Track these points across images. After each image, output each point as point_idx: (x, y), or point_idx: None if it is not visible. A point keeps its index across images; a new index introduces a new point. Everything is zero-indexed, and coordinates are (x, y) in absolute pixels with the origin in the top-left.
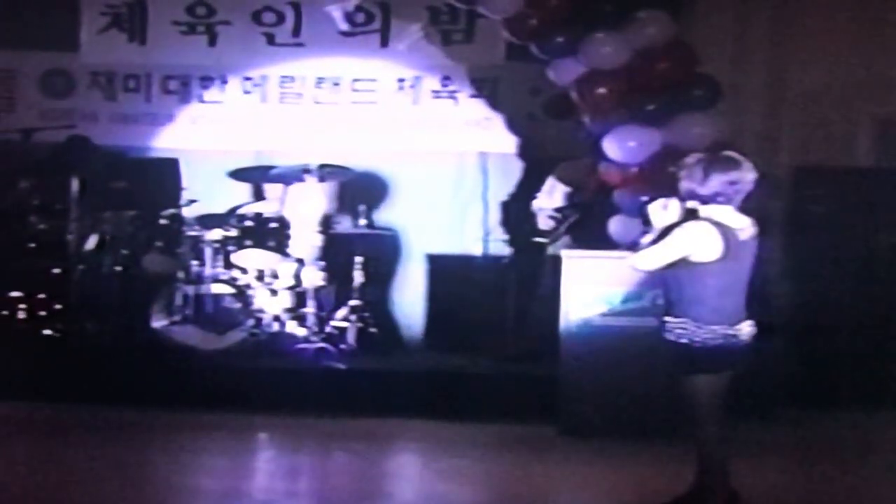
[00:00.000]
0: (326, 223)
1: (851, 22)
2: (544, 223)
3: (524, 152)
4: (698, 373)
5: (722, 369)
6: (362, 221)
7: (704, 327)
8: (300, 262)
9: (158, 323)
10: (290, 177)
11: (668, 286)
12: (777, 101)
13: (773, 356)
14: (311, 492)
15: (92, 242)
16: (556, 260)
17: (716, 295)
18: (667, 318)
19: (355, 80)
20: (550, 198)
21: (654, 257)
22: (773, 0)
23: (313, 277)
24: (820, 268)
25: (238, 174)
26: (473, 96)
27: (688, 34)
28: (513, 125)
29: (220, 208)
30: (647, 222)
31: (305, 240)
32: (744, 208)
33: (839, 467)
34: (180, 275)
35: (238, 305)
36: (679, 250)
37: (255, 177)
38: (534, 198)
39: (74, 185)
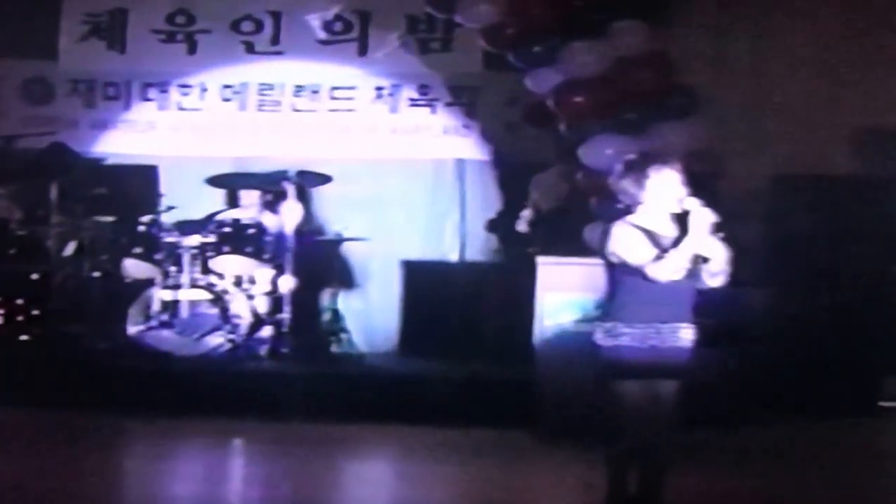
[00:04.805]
0: (304, 229)
1: (831, 32)
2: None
3: (502, 160)
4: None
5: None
6: (340, 228)
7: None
8: (278, 267)
9: (136, 328)
10: (268, 184)
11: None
12: (757, 111)
13: (752, 363)
14: (285, 498)
15: (71, 248)
16: (532, 266)
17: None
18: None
19: (334, 88)
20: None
21: None
22: (754, 10)
23: (290, 283)
24: (798, 276)
25: (216, 181)
26: (451, 104)
27: (668, 44)
28: (490, 133)
29: (199, 214)
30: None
31: (283, 246)
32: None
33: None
34: (158, 280)
35: (215, 311)
36: None
37: (234, 183)
38: (514, 211)
39: (54, 191)
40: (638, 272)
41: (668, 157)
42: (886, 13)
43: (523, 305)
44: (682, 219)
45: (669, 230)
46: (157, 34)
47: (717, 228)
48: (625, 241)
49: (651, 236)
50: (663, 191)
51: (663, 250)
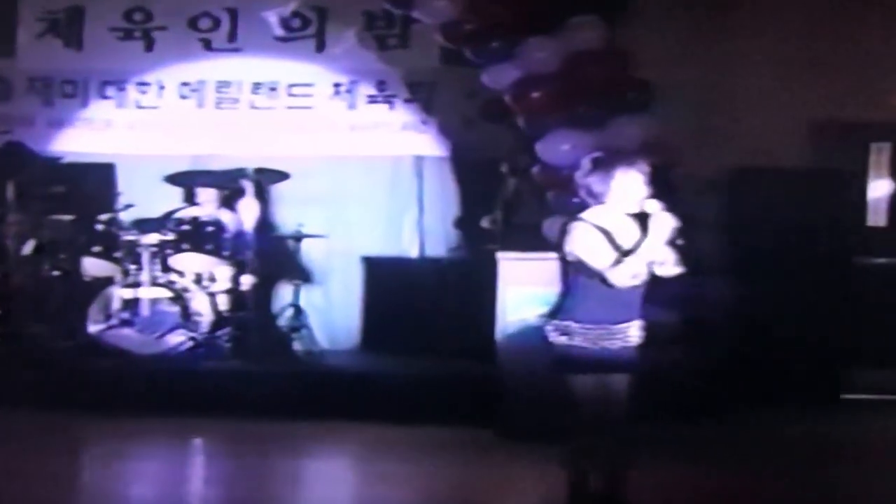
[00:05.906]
0: (263, 227)
1: (787, 27)
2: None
3: (460, 155)
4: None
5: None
6: (299, 225)
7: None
8: (237, 265)
9: (96, 327)
10: (226, 181)
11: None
12: (712, 105)
13: (713, 357)
14: (247, 497)
15: (29, 247)
16: (493, 261)
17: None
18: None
19: (291, 85)
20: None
21: None
22: (711, 5)
23: (250, 280)
24: (756, 269)
25: (174, 179)
26: (409, 100)
27: (625, 39)
28: (448, 129)
29: (157, 212)
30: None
31: (242, 243)
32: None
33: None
34: (118, 279)
35: (176, 309)
36: None
37: (192, 181)
38: (473, 206)
39: (11, 190)
40: (594, 273)
41: (635, 156)
42: (844, 8)
43: (485, 301)
44: (640, 218)
45: (628, 231)
46: (115, 31)
47: (677, 234)
48: (584, 242)
49: (609, 237)
50: (627, 190)
51: (622, 253)
